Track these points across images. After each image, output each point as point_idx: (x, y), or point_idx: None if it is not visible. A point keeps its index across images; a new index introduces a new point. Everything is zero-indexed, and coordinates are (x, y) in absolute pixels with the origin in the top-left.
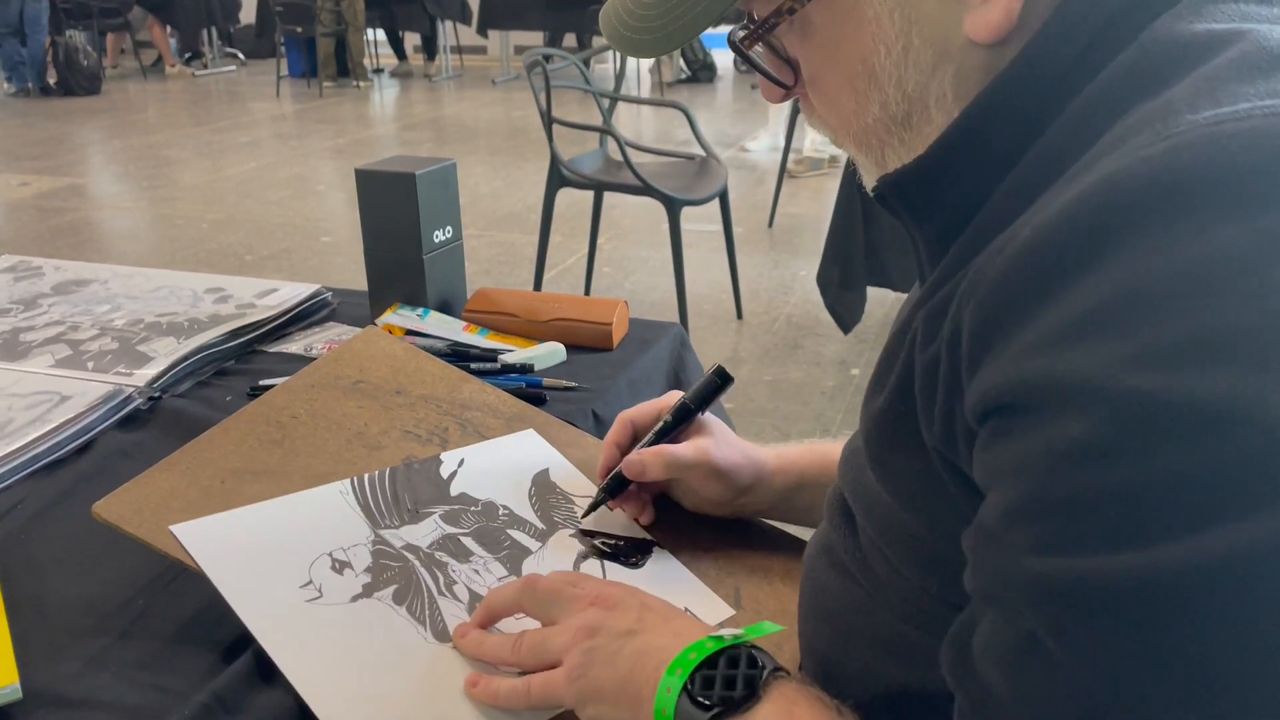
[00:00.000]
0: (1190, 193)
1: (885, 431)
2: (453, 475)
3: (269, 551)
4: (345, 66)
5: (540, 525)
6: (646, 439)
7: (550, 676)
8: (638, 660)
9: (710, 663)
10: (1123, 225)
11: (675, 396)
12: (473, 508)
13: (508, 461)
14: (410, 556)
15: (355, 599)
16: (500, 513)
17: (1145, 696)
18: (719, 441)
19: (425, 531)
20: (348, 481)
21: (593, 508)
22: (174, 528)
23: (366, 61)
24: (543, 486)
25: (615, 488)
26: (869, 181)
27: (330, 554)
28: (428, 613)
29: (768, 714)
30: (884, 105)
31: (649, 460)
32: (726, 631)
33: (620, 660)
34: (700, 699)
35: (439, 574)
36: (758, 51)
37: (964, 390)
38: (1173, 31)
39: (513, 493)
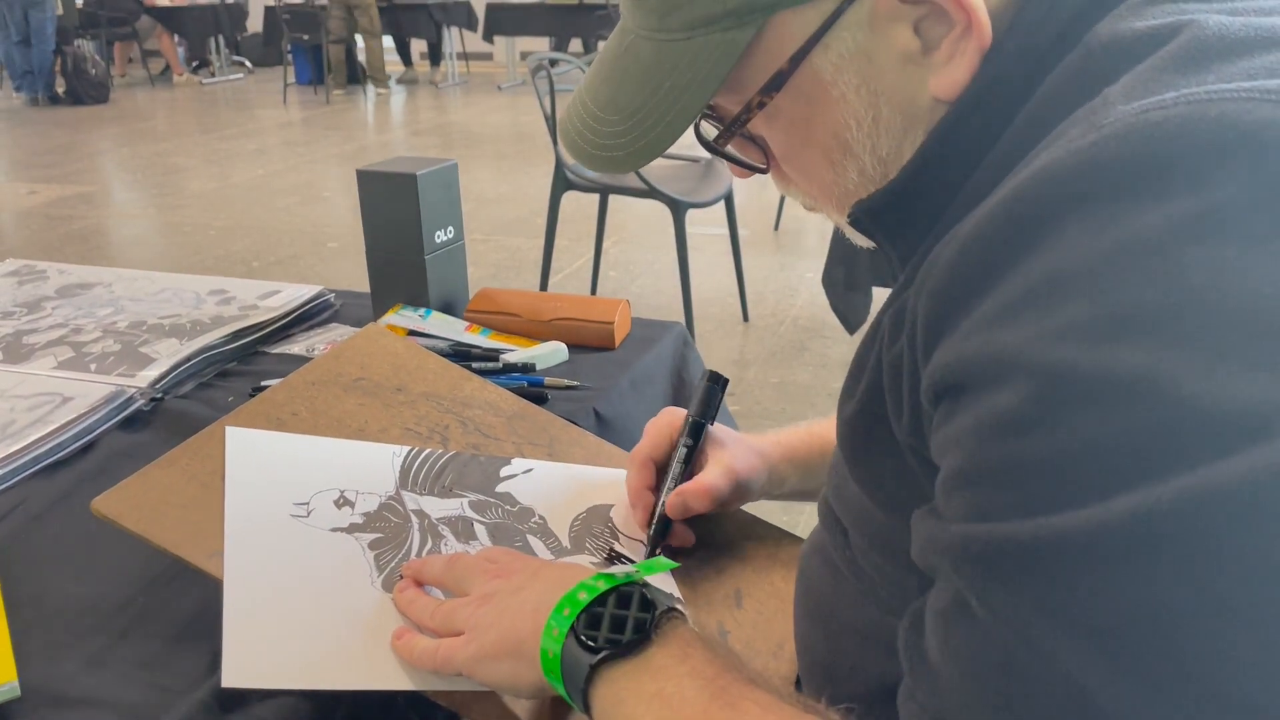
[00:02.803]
0: (1114, 179)
1: (860, 434)
2: (510, 477)
3: (291, 473)
4: (354, 74)
5: (566, 545)
6: (675, 470)
7: (451, 642)
8: (520, 609)
9: (601, 603)
10: (1054, 213)
11: (677, 415)
12: (508, 506)
13: (577, 485)
14: (414, 520)
15: (335, 530)
16: (533, 520)
17: (1056, 651)
18: (735, 452)
19: (445, 507)
20: (406, 448)
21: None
22: (228, 428)
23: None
24: (594, 516)
25: (664, 531)
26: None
27: (342, 491)
28: (391, 565)
29: (662, 659)
30: (861, 171)
31: (691, 499)
32: (618, 569)
33: (505, 615)
34: (588, 640)
35: (429, 540)
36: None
37: (921, 379)
38: (1115, 31)
39: (559, 509)
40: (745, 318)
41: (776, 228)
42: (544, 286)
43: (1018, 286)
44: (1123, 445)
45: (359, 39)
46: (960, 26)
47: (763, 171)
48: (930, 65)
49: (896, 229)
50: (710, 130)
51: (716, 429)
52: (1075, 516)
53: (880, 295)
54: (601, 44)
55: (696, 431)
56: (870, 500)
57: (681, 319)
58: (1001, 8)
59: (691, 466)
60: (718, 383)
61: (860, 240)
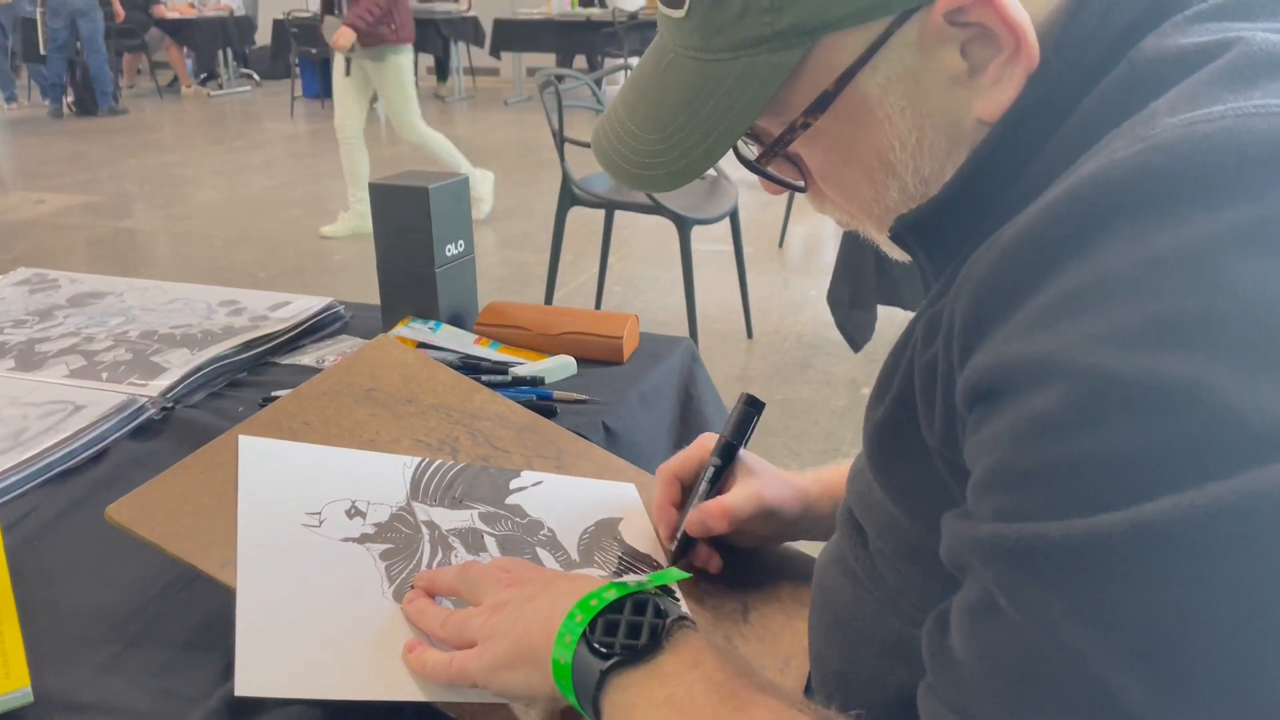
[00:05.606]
0: (1162, 189)
1: (887, 440)
2: (520, 489)
3: (303, 482)
4: None
5: (575, 558)
6: (701, 489)
7: (465, 655)
8: (532, 618)
9: (613, 611)
10: (1099, 220)
11: (709, 439)
12: (518, 518)
13: (586, 499)
14: (425, 530)
15: (346, 540)
16: (542, 532)
17: (1083, 651)
18: (766, 479)
19: (455, 519)
20: (416, 459)
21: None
22: (241, 437)
23: None
24: (603, 529)
25: (686, 548)
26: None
27: (354, 501)
28: (402, 576)
29: (673, 665)
30: (902, 190)
31: (711, 519)
32: (630, 578)
33: (518, 623)
34: (599, 647)
35: (440, 551)
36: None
37: (957, 383)
38: (1160, 47)
39: (568, 523)
40: (749, 334)
41: (781, 244)
42: (549, 301)
43: (1060, 291)
44: (1160, 451)
45: None
46: (1008, 51)
47: (801, 190)
48: (976, 87)
49: (935, 243)
50: (747, 149)
51: (752, 459)
52: (1109, 519)
53: (885, 314)
54: (608, 60)
55: (726, 453)
56: (896, 506)
57: (686, 334)
58: (1047, 26)
59: (719, 488)
60: (753, 406)
61: (896, 254)
